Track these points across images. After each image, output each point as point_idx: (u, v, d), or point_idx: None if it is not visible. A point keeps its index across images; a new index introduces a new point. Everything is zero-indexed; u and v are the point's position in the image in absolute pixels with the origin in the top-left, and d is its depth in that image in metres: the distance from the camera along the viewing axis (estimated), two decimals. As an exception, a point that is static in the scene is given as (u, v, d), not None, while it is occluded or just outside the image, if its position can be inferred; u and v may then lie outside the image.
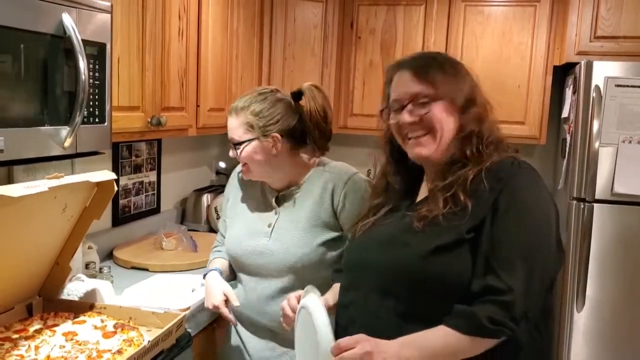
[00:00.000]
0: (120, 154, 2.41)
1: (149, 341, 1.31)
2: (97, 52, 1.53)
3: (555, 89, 2.91)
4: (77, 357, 1.28)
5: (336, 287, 1.42)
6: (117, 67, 1.71)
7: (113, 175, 1.45)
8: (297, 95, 1.67)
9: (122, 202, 2.44)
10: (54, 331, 1.42)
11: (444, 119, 1.23)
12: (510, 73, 2.86)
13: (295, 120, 1.67)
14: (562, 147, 2.84)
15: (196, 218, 2.85)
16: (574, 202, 2.53)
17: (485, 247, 1.14)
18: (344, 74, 3.09)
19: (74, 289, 1.64)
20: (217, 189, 2.98)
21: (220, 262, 1.81)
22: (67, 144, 1.43)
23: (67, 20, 1.40)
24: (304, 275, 1.60)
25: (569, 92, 2.74)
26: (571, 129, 2.60)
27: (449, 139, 1.24)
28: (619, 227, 2.49)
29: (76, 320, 1.48)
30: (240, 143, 1.65)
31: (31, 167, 1.81)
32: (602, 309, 2.54)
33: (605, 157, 2.47)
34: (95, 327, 1.45)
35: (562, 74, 2.94)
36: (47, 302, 1.56)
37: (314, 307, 1.21)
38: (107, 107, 1.59)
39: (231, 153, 1.69)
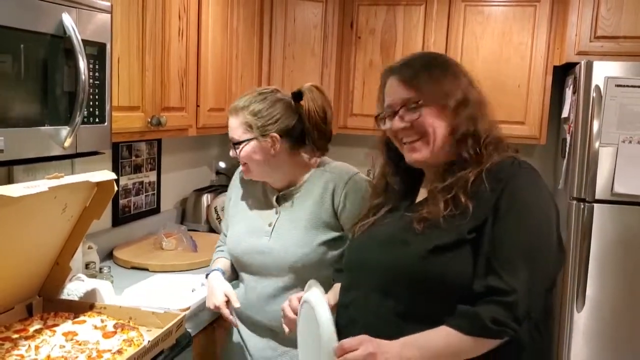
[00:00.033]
0: (120, 154, 2.41)
1: (149, 341, 1.31)
2: (97, 52, 1.53)
3: (555, 89, 2.91)
4: (77, 357, 1.28)
5: (337, 287, 1.42)
6: (117, 67, 1.71)
7: (113, 175, 1.45)
8: (297, 95, 1.67)
9: (122, 202, 2.44)
10: (54, 331, 1.42)
11: (436, 123, 1.23)
12: (510, 73, 2.86)
13: (295, 121, 1.67)
14: (562, 147, 2.84)
15: (196, 218, 2.85)
16: (574, 202, 2.53)
17: (487, 247, 1.14)
18: (343, 74, 3.09)
19: (74, 289, 1.64)
20: (217, 189, 2.98)
21: (222, 262, 1.81)
22: (67, 144, 1.43)
23: (67, 20, 1.40)
24: (304, 275, 1.60)
25: (569, 92, 2.74)
26: (571, 129, 2.60)
27: (442, 142, 1.24)
28: (619, 227, 2.50)
29: (76, 320, 1.48)
30: (240, 143, 1.65)
31: (31, 167, 1.81)
32: (602, 309, 2.54)
33: (605, 157, 2.47)
34: (95, 327, 1.45)
35: (562, 74, 2.94)
36: (47, 302, 1.56)
37: (317, 301, 1.21)
38: (107, 107, 1.59)
39: (231, 153, 1.70)
